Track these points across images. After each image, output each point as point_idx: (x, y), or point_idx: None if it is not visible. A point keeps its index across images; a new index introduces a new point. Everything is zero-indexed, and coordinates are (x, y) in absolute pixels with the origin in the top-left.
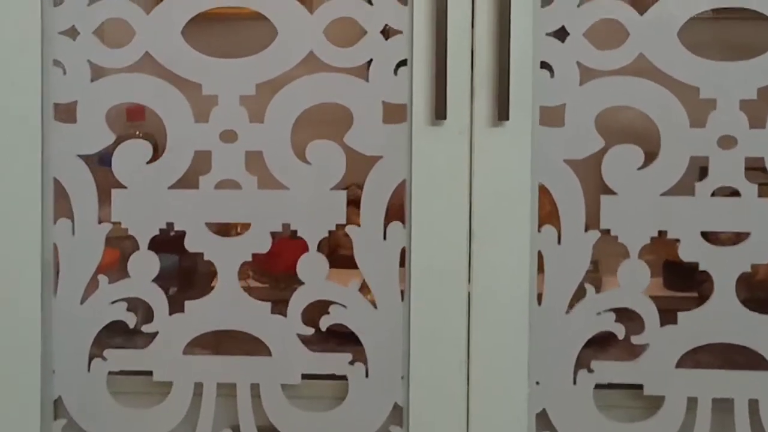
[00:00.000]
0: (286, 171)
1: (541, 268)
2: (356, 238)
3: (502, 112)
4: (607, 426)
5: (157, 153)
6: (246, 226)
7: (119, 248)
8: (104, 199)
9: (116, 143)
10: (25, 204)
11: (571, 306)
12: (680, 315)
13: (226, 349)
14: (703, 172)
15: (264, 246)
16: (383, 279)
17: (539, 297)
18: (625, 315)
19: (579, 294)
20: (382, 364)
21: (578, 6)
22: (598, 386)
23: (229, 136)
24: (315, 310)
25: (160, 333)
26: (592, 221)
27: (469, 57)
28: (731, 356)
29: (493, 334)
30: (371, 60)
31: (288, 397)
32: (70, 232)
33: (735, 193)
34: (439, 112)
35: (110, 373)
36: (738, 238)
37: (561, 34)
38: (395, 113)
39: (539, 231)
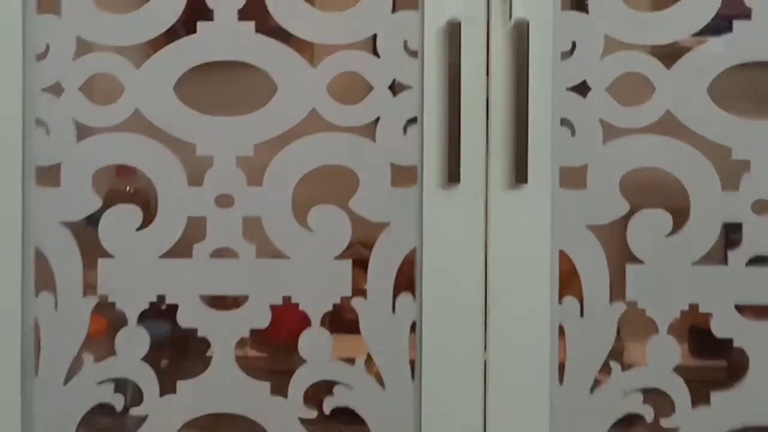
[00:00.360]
0: (286, 238)
1: (562, 344)
2: (362, 311)
3: (520, 174)
4: None
5: (149, 213)
6: (243, 299)
7: (107, 316)
8: (92, 264)
9: (105, 199)
10: (4, 275)
11: (595, 385)
12: (713, 395)
13: None
14: (736, 240)
15: (263, 320)
16: (392, 356)
17: (561, 374)
18: (653, 394)
19: (604, 372)
20: None
21: (600, 58)
22: None
23: (225, 201)
24: (318, 389)
25: (150, 416)
26: (617, 292)
27: (484, 114)
28: None
29: (512, 417)
30: (378, 118)
31: None
32: (52, 306)
33: None
34: (453, 174)
35: None
36: None
37: (582, 89)
38: (404, 176)
39: (560, 303)
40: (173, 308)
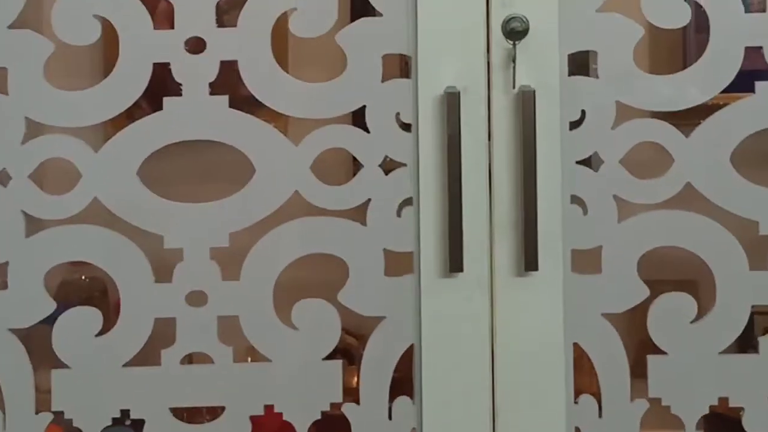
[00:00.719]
0: (267, 339)
1: None
2: (355, 418)
3: (529, 259)
4: None
5: (108, 315)
6: (220, 410)
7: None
8: (45, 375)
9: (57, 290)
10: None
11: None
12: None
13: None
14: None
15: None
16: None
17: None
18: None
19: None
20: None
21: (612, 128)
22: None
23: (197, 299)
24: None
25: None
26: (638, 388)
27: (487, 193)
28: None
29: None
30: (369, 199)
31: None
32: (0, 426)
33: None
34: (454, 261)
35: None
36: None
37: (594, 161)
38: (400, 263)
39: (576, 402)
40: (139, 424)
